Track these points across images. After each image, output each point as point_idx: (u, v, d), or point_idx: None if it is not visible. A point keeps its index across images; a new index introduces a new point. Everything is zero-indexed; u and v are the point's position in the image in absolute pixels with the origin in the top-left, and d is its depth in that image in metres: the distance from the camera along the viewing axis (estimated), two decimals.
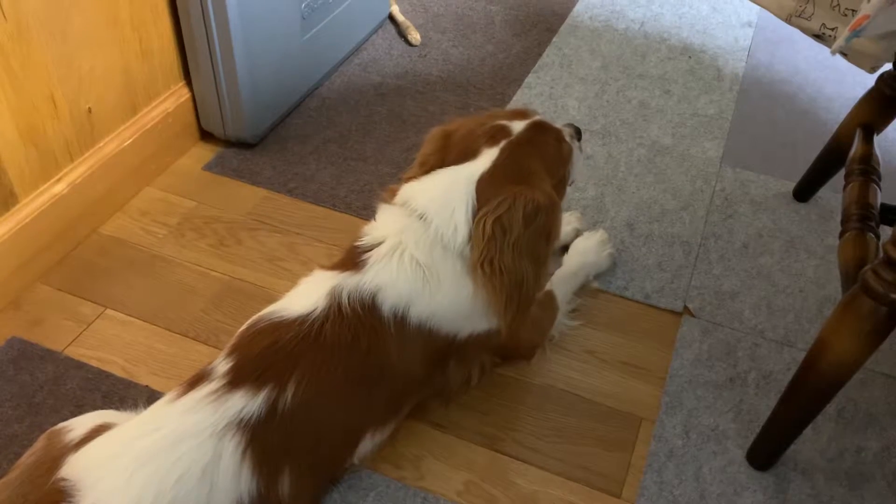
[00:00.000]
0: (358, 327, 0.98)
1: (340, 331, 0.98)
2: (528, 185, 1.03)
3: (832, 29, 1.12)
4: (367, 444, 1.06)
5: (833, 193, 1.59)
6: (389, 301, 1.00)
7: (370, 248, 1.04)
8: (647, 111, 1.82)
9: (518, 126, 1.09)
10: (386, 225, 1.06)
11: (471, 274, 1.02)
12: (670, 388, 1.24)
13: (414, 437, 1.15)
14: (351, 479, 1.10)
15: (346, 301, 0.99)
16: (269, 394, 0.92)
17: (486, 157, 1.05)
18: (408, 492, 1.09)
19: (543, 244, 1.04)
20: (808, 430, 1.10)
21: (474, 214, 1.02)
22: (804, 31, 1.18)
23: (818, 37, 1.16)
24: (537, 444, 1.16)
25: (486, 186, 1.03)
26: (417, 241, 1.03)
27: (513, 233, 0.99)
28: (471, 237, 1.02)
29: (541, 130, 1.11)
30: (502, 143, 1.06)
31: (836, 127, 1.45)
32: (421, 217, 1.04)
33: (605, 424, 1.19)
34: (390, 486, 1.09)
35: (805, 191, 1.58)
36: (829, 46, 1.12)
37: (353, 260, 1.04)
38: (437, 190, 1.05)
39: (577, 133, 1.20)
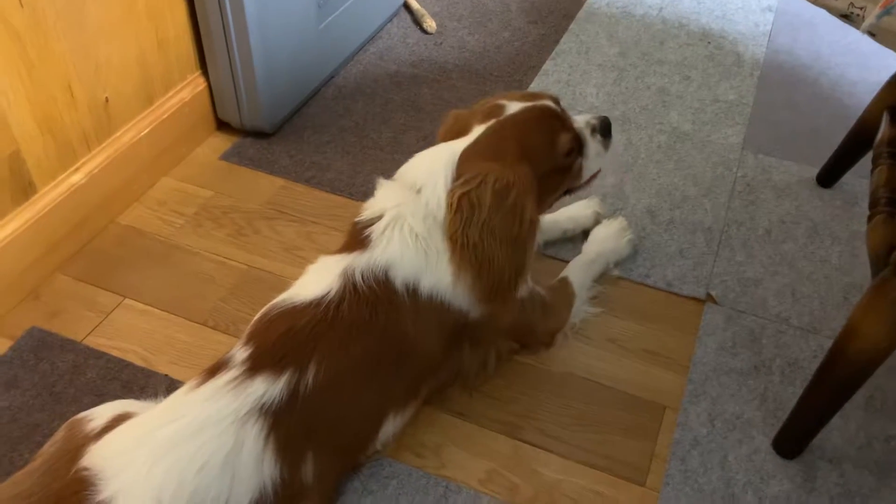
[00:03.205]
0: (375, 303, 0.98)
1: (358, 309, 0.97)
2: (501, 163, 1.02)
3: (860, 8, 1.09)
4: (388, 428, 1.05)
5: (858, 179, 1.56)
6: (401, 274, 1.01)
7: (370, 224, 1.04)
8: (666, 97, 1.80)
9: (514, 107, 1.08)
10: (384, 198, 1.07)
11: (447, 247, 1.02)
12: (694, 376, 1.22)
13: (435, 426, 1.14)
14: (372, 467, 1.09)
15: (361, 279, 0.99)
16: (290, 377, 0.92)
17: (473, 134, 1.06)
18: (429, 480, 1.08)
19: (516, 226, 1.01)
20: (835, 419, 1.08)
21: None
22: (830, 10, 1.16)
23: (846, 16, 1.13)
24: (559, 433, 1.14)
25: (464, 162, 1.03)
26: (414, 213, 1.03)
27: (482, 211, 0.99)
28: None
29: (538, 115, 1.09)
30: (491, 122, 1.06)
31: (859, 111, 1.43)
32: (413, 188, 1.04)
33: (628, 413, 1.17)
34: (412, 475, 1.08)
35: (829, 176, 1.55)
36: (857, 27, 1.09)
37: (356, 239, 1.04)
38: (426, 163, 1.06)
39: (602, 126, 1.15)
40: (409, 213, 1.03)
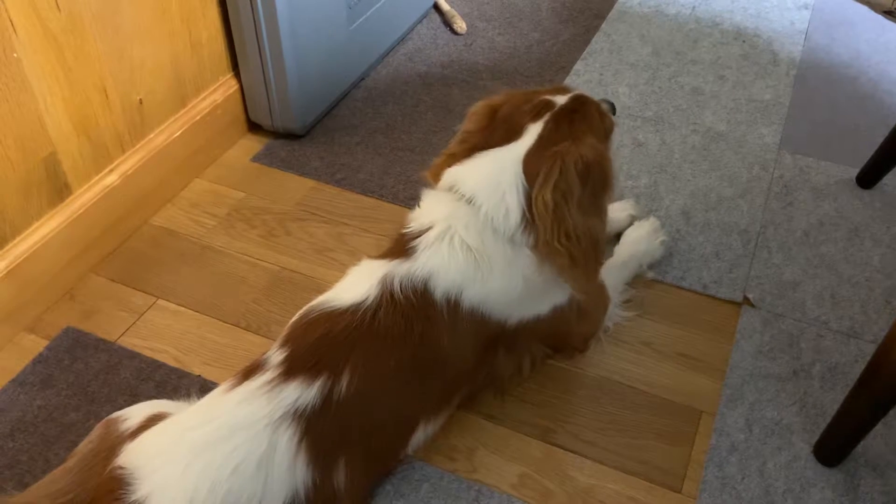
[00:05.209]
0: (411, 314, 0.97)
1: (394, 318, 0.96)
2: (572, 141, 1.01)
3: None
4: (419, 435, 1.04)
5: None
6: (442, 286, 0.99)
7: (419, 234, 1.03)
8: (700, 97, 1.77)
9: (561, 99, 1.07)
10: (433, 210, 1.05)
11: (541, 253, 1.00)
12: (731, 380, 1.20)
13: (467, 429, 1.13)
14: (404, 470, 1.08)
15: (399, 288, 0.98)
16: (324, 383, 0.91)
17: (531, 134, 1.03)
18: (461, 484, 1.07)
19: (602, 195, 1.03)
20: (878, 425, 1.05)
21: (527, 197, 1.00)
22: (873, 7, 1.13)
23: (889, 13, 1.10)
24: (593, 437, 1.13)
25: (532, 161, 1.01)
26: (467, 226, 1.01)
27: (573, 194, 0.98)
28: (524, 221, 1.00)
29: (583, 102, 1.08)
30: (546, 116, 1.04)
31: None
32: (469, 201, 1.02)
33: (664, 417, 1.15)
34: (444, 479, 1.07)
35: (870, 177, 1.52)
36: None
37: (402, 247, 1.03)
38: (484, 173, 1.03)
39: (612, 109, 1.17)
40: (462, 226, 1.01)
